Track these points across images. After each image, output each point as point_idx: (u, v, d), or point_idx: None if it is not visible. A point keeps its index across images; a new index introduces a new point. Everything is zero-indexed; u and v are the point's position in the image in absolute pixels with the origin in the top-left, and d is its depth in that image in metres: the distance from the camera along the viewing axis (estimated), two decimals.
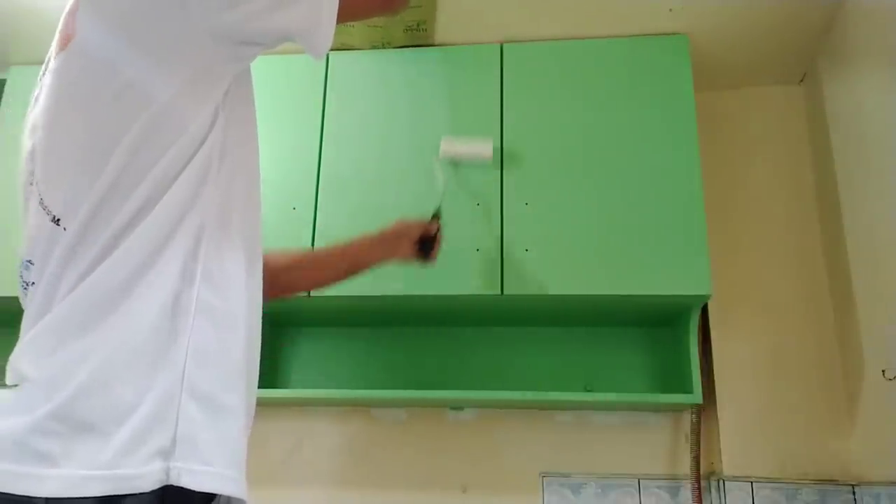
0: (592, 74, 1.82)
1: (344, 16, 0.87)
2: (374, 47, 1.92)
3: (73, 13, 0.84)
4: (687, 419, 1.83)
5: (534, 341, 1.92)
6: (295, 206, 1.78)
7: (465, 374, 1.92)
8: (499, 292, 1.67)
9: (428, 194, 1.62)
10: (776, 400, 1.80)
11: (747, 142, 2.02)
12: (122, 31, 0.79)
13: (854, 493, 1.69)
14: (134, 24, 0.79)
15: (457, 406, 1.93)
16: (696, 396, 1.67)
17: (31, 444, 0.71)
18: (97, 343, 0.75)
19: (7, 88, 2.01)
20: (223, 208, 0.84)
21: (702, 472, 1.77)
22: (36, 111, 0.87)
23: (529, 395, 1.73)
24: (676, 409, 1.85)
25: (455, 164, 1.72)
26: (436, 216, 1.54)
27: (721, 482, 1.74)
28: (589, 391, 1.86)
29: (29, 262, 0.84)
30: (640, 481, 1.82)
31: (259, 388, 0.91)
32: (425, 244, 1.49)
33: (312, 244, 1.73)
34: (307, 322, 1.98)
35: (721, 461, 1.77)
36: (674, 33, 1.84)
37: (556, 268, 1.67)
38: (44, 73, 0.89)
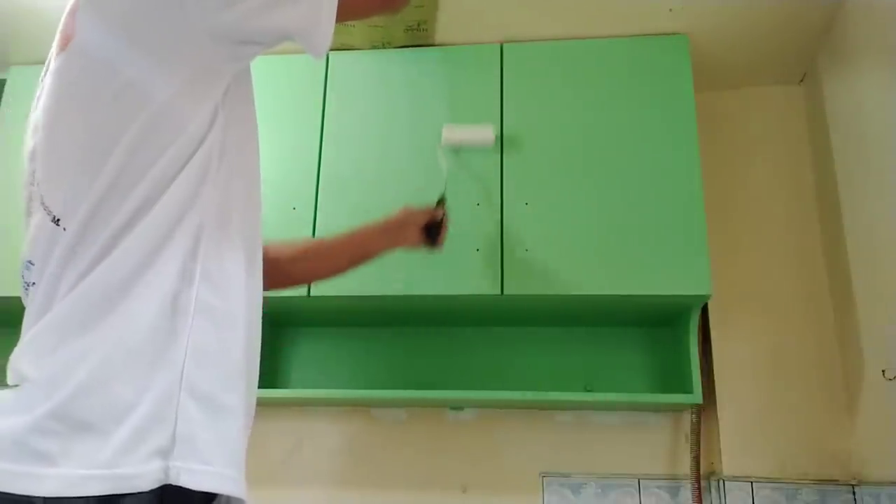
0: (592, 74, 1.82)
1: (343, 15, 0.87)
2: (374, 47, 1.92)
3: (73, 14, 0.84)
4: (687, 419, 1.83)
5: (534, 341, 1.92)
6: (295, 206, 1.78)
7: (465, 374, 1.92)
8: (499, 292, 1.67)
9: (428, 193, 1.62)
10: (776, 400, 1.80)
11: (747, 142, 2.02)
12: (122, 32, 0.80)
13: (854, 493, 1.69)
14: (134, 24, 0.79)
15: (457, 406, 1.93)
16: (696, 396, 1.67)
17: (31, 444, 0.71)
18: (96, 342, 0.75)
19: (7, 88, 2.01)
20: (223, 208, 0.84)
21: (702, 472, 1.77)
22: (37, 112, 0.87)
23: (529, 395, 1.73)
24: (676, 409, 1.85)
25: (457, 150, 1.73)
26: (441, 202, 1.55)
27: (721, 482, 1.74)
28: (589, 391, 1.86)
29: (30, 262, 0.84)
30: (640, 481, 1.82)
31: (259, 388, 0.91)
32: (431, 230, 1.49)
33: None
34: (307, 322, 1.98)
35: (721, 461, 1.77)
36: (674, 33, 1.84)
37: (556, 268, 1.67)
38: (45, 74, 0.89)
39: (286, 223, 1.75)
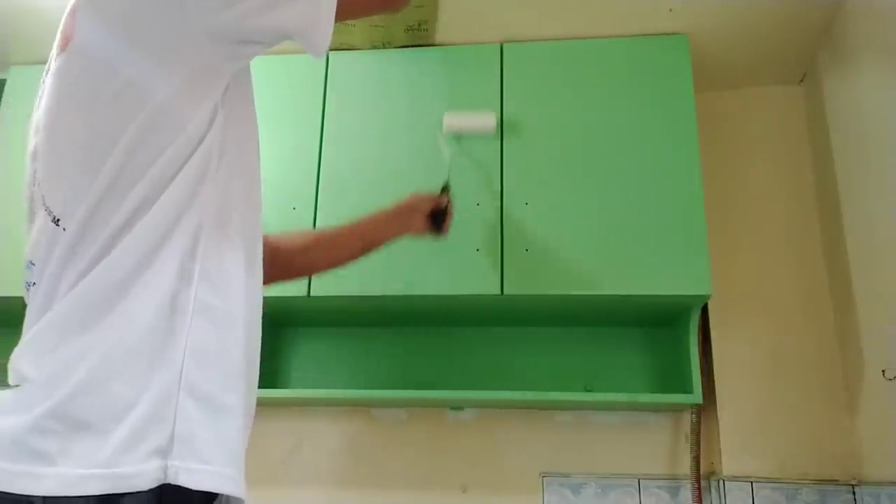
0: (592, 74, 1.82)
1: (343, 14, 0.87)
2: (374, 47, 1.92)
3: (73, 14, 0.84)
4: (687, 419, 1.83)
5: (534, 341, 1.92)
6: (295, 206, 1.78)
7: (465, 374, 1.92)
8: (499, 292, 1.67)
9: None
10: (776, 400, 1.80)
11: (747, 142, 2.02)
12: (121, 32, 0.80)
13: (854, 493, 1.69)
14: (134, 24, 0.79)
15: (457, 406, 1.93)
16: (696, 396, 1.66)
17: (30, 443, 0.71)
18: (95, 342, 0.75)
19: (7, 88, 2.01)
20: (222, 208, 0.84)
21: (702, 472, 1.77)
22: (38, 112, 0.88)
23: (529, 395, 1.73)
24: (676, 409, 1.85)
25: (458, 138, 1.73)
26: (445, 189, 1.56)
27: (721, 482, 1.74)
28: (589, 391, 1.86)
29: (31, 262, 0.84)
30: (640, 481, 1.82)
31: (259, 387, 0.91)
32: (437, 218, 1.50)
33: None
34: (307, 322, 1.98)
35: (721, 461, 1.77)
36: (674, 33, 1.84)
37: (556, 268, 1.67)
38: (46, 75, 0.89)
39: (286, 223, 1.75)
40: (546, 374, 1.89)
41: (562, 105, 1.80)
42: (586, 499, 1.81)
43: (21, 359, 0.78)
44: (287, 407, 1.97)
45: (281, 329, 2.00)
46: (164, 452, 0.73)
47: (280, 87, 1.88)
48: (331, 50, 1.89)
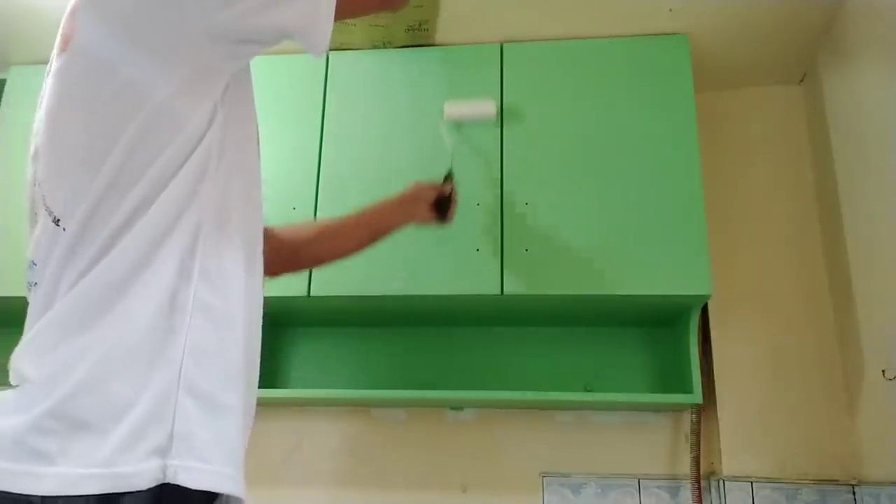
0: (592, 74, 1.82)
1: (342, 13, 0.87)
2: (374, 47, 1.92)
3: (73, 14, 0.84)
4: (687, 419, 1.83)
5: (534, 341, 1.92)
6: (295, 206, 1.78)
7: (465, 374, 1.92)
8: (499, 292, 1.67)
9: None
10: (776, 400, 1.80)
11: (747, 142, 2.02)
12: (122, 32, 0.80)
13: (854, 493, 1.69)
14: (135, 24, 0.80)
15: (457, 406, 1.93)
16: (696, 396, 1.66)
17: (29, 443, 0.71)
18: (95, 341, 0.75)
19: (7, 88, 2.01)
20: (221, 207, 0.84)
21: (702, 472, 1.77)
22: (39, 113, 0.88)
23: (529, 395, 1.73)
24: (676, 409, 1.85)
25: (459, 125, 1.75)
26: (448, 177, 1.57)
27: (721, 482, 1.74)
28: (589, 391, 1.86)
29: (33, 262, 0.85)
30: (640, 481, 1.82)
31: (259, 387, 0.91)
32: (441, 205, 1.52)
33: None
34: (307, 322, 1.98)
35: (721, 461, 1.77)
36: (674, 33, 1.84)
37: (556, 268, 1.67)
38: (48, 75, 0.89)
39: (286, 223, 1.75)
40: (546, 374, 1.89)
41: (562, 105, 1.80)
42: (586, 499, 1.81)
43: (21, 358, 0.78)
44: (287, 407, 1.97)
45: (281, 329, 2.00)
46: (163, 451, 0.73)
47: (280, 87, 1.88)
48: (331, 50, 1.90)
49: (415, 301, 1.74)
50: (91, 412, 0.72)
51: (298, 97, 1.88)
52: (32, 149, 0.88)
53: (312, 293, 1.71)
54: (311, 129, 1.84)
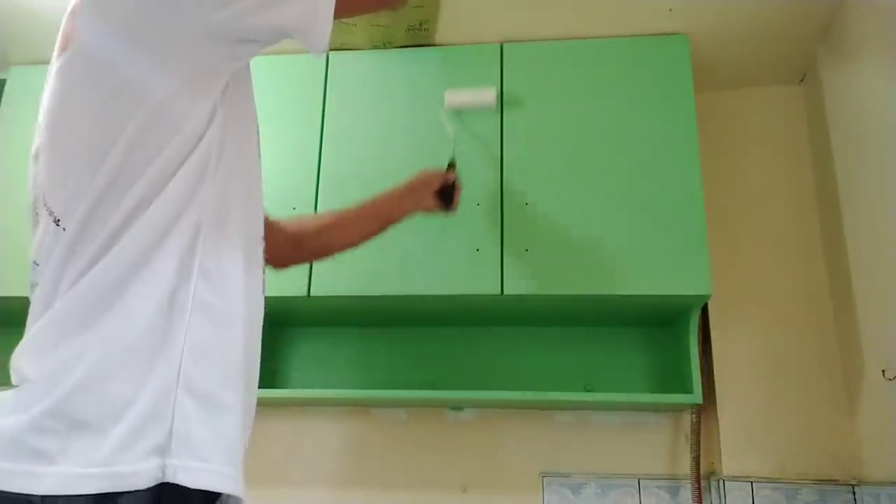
0: (592, 74, 1.82)
1: (342, 12, 0.87)
2: (375, 47, 1.92)
3: (73, 15, 0.84)
4: (687, 419, 1.83)
5: (534, 341, 1.92)
6: (295, 206, 1.78)
7: (465, 374, 1.92)
8: (499, 292, 1.67)
9: None
10: (776, 400, 1.80)
11: (747, 142, 2.02)
12: (124, 33, 0.80)
13: (854, 493, 1.69)
14: (135, 25, 0.80)
15: (457, 406, 1.92)
16: (696, 396, 1.66)
17: (29, 442, 0.71)
18: (94, 340, 0.75)
19: (7, 88, 2.01)
20: (221, 206, 0.84)
21: (702, 472, 1.77)
22: (40, 113, 0.88)
23: (529, 395, 1.73)
24: (676, 409, 1.85)
25: (459, 113, 1.77)
26: (451, 165, 1.58)
27: (721, 482, 1.74)
28: (589, 391, 1.85)
29: (35, 262, 0.85)
30: (640, 481, 1.82)
31: (259, 387, 0.91)
32: (445, 194, 1.53)
33: None
34: (307, 322, 1.98)
35: (721, 461, 1.77)
36: (674, 33, 1.84)
37: (556, 268, 1.67)
38: (49, 76, 0.90)
39: None
40: (546, 374, 1.89)
41: (562, 105, 1.80)
42: (586, 499, 1.81)
43: (21, 358, 0.79)
44: (287, 407, 1.97)
45: (281, 329, 2.00)
46: (162, 451, 0.73)
47: (280, 87, 1.88)
48: (331, 50, 1.90)
49: (415, 301, 1.74)
50: (90, 411, 0.72)
51: (298, 97, 1.88)
52: (34, 149, 0.88)
53: (312, 293, 1.71)
54: (311, 129, 1.84)
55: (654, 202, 1.69)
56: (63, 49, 0.84)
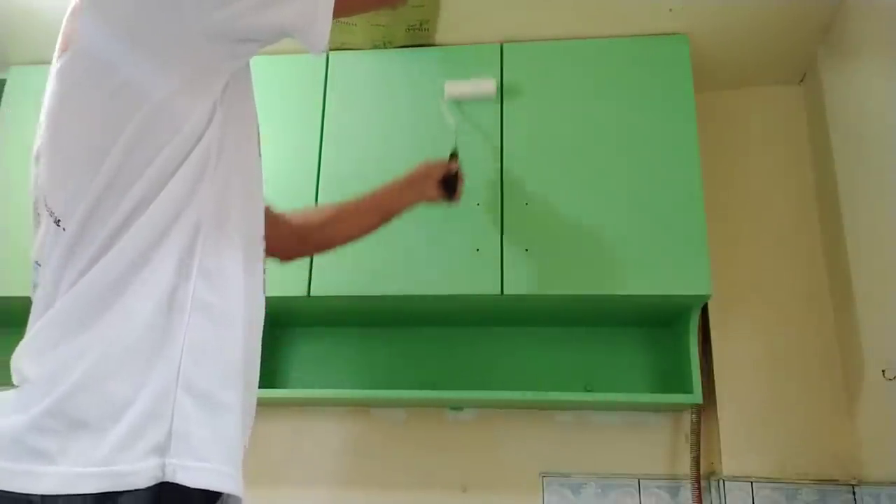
0: (592, 74, 1.82)
1: (341, 10, 0.88)
2: (375, 46, 1.92)
3: (74, 15, 0.84)
4: (687, 419, 1.83)
5: (534, 341, 1.92)
6: (295, 206, 1.77)
7: (465, 374, 1.92)
8: (499, 292, 1.67)
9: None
10: (776, 400, 1.80)
11: (747, 142, 2.02)
12: (124, 33, 0.80)
13: (854, 493, 1.69)
14: (136, 25, 0.80)
15: (457, 406, 1.92)
16: (696, 396, 1.66)
17: (29, 442, 0.71)
18: (93, 340, 0.75)
19: (7, 88, 2.01)
20: (221, 206, 0.84)
21: (702, 472, 1.77)
22: (42, 114, 0.88)
23: (529, 395, 1.73)
24: (676, 409, 1.85)
25: (459, 103, 1.78)
26: (454, 155, 1.59)
27: (721, 482, 1.74)
28: (589, 391, 1.86)
29: (37, 263, 0.85)
30: (640, 481, 1.82)
31: (259, 387, 0.91)
32: (449, 184, 1.53)
33: None
34: (307, 322, 1.98)
35: (721, 461, 1.76)
36: (674, 33, 1.84)
37: (556, 268, 1.67)
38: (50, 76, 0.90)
39: None
40: (546, 374, 1.89)
41: (562, 105, 1.80)
42: (586, 499, 1.81)
43: (22, 358, 0.79)
44: (287, 407, 1.97)
45: (281, 329, 2.00)
46: (161, 450, 0.73)
47: (280, 87, 1.88)
48: (331, 50, 1.91)
49: (415, 301, 1.74)
50: (89, 411, 0.72)
51: (298, 97, 1.88)
52: (35, 150, 0.89)
53: (312, 293, 1.71)
54: (311, 129, 1.84)
55: (654, 202, 1.69)
56: (63, 50, 0.84)
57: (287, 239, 1.33)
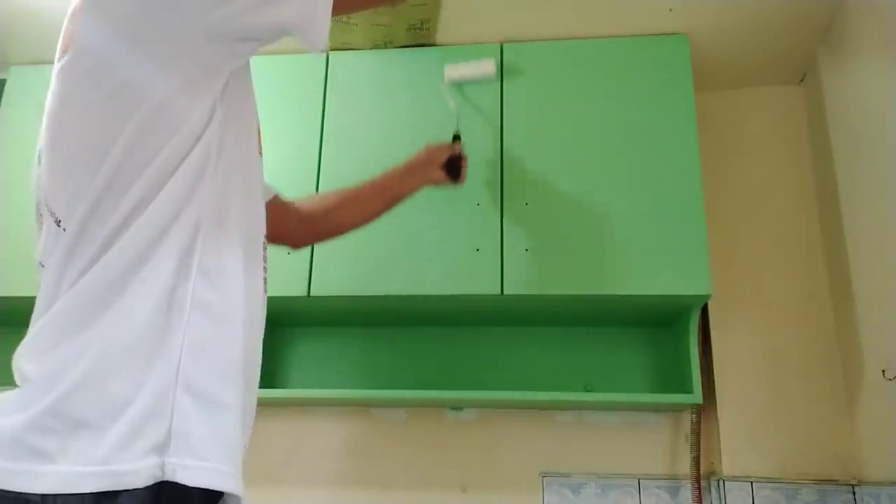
0: (592, 74, 1.82)
1: (340, 9, 0.88)
2: (375, 46, 1.92)
3: (74, 17, 0.84)
4: (687, 419, 1.83)
5: (534, 341, 1.92)
6: None
7: (465, 374, 1.92)
8: (499, 292, 1.67)
9: (429, 192, 1.61)
10: (776, 400, 1.80)
11: (747, 142, 2.02)
12: (125, 34, 0.80)
13: (854, 493, 1.69)
14: (136, 26, 0.80)
15: (457, 406, 1.92)
16: (696, 396, 1.66)
17: (28, 441, 0.71)
18: (93, 339, 0.75)
19: (7, 88, 2.01)
20: (221, 204, 0.84)
21: (702, 472, 1.77)
22: (44, 116, 0.88)
23: (529, 395, 1.73)
24: (676, 409, 1.85)
25: (459, 85, 1.80)
26: (456, 138, 1.62)
27: (721, 482, 1.74)
28: (589, 391, 1.85)
29: (41, 264, 0.85)
30: (640, 481, 1.82)
31: (259, 387, 0.91)
32: (452, 167, 1.55)
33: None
34: (307, 322, 1.98)
35: (721, 461, 1.77)
36: (674, 33, 1.84)
37: (556, 268, 1.67)
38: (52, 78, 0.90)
39: None
40: (546, 374, 1.89)
41: (562, 105, 1.80)
42: (586, 499, 1.81)
43: (22, 357, 0.79)
44: (287, 407, 1.97)
45: (281, 329, 2.00)
46: (161, 449, 0.73)
47: (280, 87, 1.88)
48: (331, 49, 1.91)
49: (415, 301, 1.74)
50: (89, 410, 0.72)
51: (298, 97, 1.88)
52: (37, 150, 0.89)
53: (312, 293, 1.71)
54: (311, 129, 1.84)
55: (654, 202, 1.69)
56: (64, 51, 0.84)
57: (296, 226, 1.35)
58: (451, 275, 1.69)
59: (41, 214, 0.86)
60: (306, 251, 1.71)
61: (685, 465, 1.80)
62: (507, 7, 1.80)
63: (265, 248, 0.96)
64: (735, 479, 1.74)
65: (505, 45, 1.87)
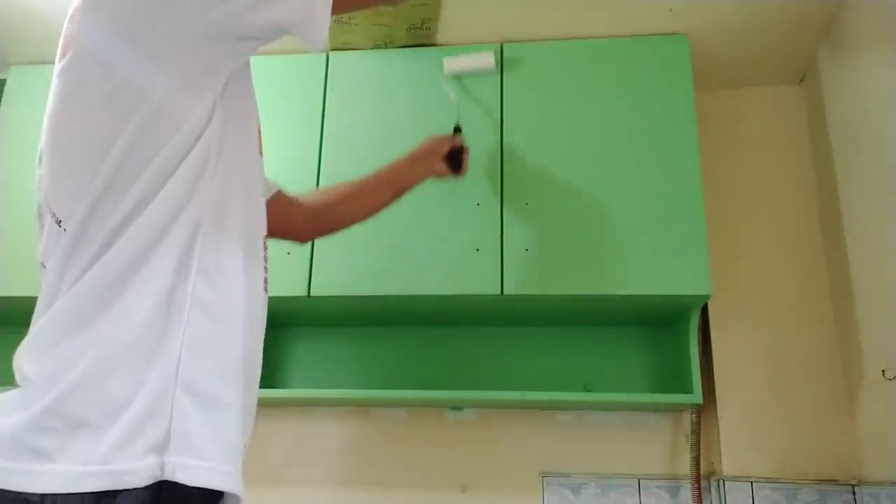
0: (592, 74, 1.82)
1: (339, 7, 0.88)
2: (376, 46, 1.92)
3: (75, 17, 0.85)
4: (687, 419, 1.83)
5: (534, 341, 1.92)
6: None
7: (465, 374, 1.92)
8: (499, 292, 1.66)
9: (429, 191, 1.62)
10: (776, 400, 1.80)
11: (747, 142, 2.02)
12: (125, 34, 0.80)
13: (854, 493, 1.69)
14: (137, 26, 0.80)
15: (457, 406, 1.92)
16: (696, 396, 1.66)
17: (28, 441, 0.71)
18: (93, 339, 0.75)
19: (7, 88, 2.01)
20: (220, 204, 0.84)
21: (702, 472, 1.77)
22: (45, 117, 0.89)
23: (529, 395, 1.73)
24: (676, 409, 1.85)
25: (460, 80, 1.81)
26: (457, 130, 1.62)
27: (721, 482, 1.74)
28: (589, 391, 1.85)
29: (42, 264, 0.85)
30: (640, 481, 1.81)
31: (259, 387, 0.91)
32: (454, 158, 1.56)
33: (313, 243, 1.73)
34: (307, 322, 1.98)
35: (721, 461, 1.77)
36: (674, 33, 1.84)
37: (556, 268, 1.67)
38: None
39: None
40: (546, 374, 1.89)
41: (562, 104, 1.80)
42: (586, 499, 1.81)
43: (23, 357, 0.79)
44: (287, 407, 1.97)
45: (281, 329, 2.00)
46: (160, 449, 0.73)
47: (280, 87, 1.88)
48: (331, 49, 1.91)
49: (415, 301, 1.74)
50: (89, 410, 0.72)
51: (298, 97, 1.88)
52: (38, 151, 0.89)
53: (312, 293, 1.71)
54: (311, 129, 1.84)
55: (653, 202, 1.69)
56: (65, 52, 0.85)
57: (301, 221, 1.36)
58: (451, 275, 1.69)
59: (42, 215, 0.86)
60: (306, 251, 1.71)
61: (685, 465, 1.80)
62: (507, 7, 1.80)
63: (266, 248, 0.96)
64: (735, 479, 1.74)
65: (505, 45, 1.86)
